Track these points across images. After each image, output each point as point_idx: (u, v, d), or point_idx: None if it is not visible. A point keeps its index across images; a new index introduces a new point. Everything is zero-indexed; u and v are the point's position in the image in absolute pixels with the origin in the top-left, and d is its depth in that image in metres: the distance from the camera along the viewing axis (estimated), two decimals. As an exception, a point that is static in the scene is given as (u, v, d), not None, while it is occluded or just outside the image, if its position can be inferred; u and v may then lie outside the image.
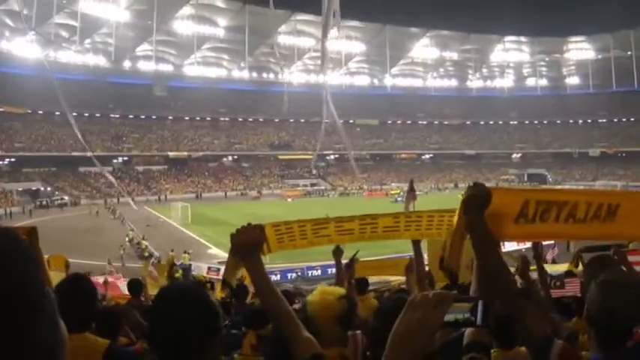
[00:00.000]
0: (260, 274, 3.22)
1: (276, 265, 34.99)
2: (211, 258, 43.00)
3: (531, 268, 6.69)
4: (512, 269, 5.99)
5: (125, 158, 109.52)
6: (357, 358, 4.21)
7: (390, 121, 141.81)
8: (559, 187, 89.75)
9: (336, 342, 3.86)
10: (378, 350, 2.09)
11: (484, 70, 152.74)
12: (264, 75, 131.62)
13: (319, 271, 38.21)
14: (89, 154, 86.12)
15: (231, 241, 3.29)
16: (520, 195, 4.20)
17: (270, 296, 3.16)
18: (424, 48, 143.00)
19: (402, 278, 11.00)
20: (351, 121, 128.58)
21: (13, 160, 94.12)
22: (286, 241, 7.60)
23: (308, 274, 39.22)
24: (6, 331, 0.93)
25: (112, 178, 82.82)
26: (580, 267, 9.16)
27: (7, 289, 0.97)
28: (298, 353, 2.94)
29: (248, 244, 3.25)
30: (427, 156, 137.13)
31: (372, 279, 14.33)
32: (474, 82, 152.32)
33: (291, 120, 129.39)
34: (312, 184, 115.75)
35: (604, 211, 4.23)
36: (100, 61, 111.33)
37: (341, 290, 4.45)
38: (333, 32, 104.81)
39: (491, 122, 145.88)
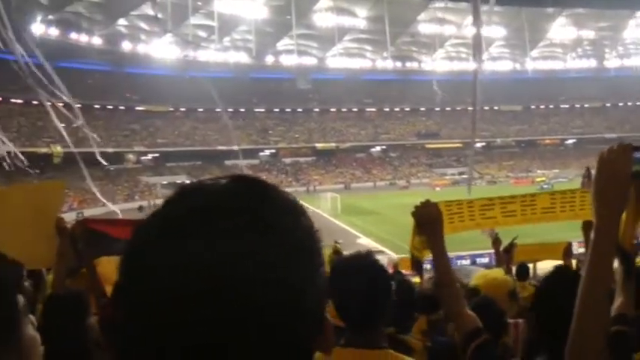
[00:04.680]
0: (441, 249, 2.73)
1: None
2: (361, 247, 18.99)
3: None
4: None
5: (272, 151, 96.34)
6: (518, 346, 3.87)
7: (533, 106, 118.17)
8: None
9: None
10: (543, 336, 2.06)
11: (619, 48, 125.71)
12: (408, 64, 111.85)
13: (468, 261, 31.96)
14: (235, 147, 75.59)
15: (415, 217, 2.79)
16: None
17: (447, 273, 2.71)
18: (561, 28, 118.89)
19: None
20: (496, 108, 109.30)
21: (156, 155, 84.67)
22: (456, 222, 7.19)
23: (456, 263, 28.82)
24: None
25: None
26: None
27: None
28: (461, 328, 2.62)
29: (430, 217, 2.75)
30: (570, 141, 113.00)
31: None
32: (612, 62, 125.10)
33: (437, 108, 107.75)
34: (460, 173, 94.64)
35: None
36: (242, 57, 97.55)
37: (500, 270, 4.82)
38: (470, 18, 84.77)
39: (629, 103, 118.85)
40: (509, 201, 7.23)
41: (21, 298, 1.20)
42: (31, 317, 1.26)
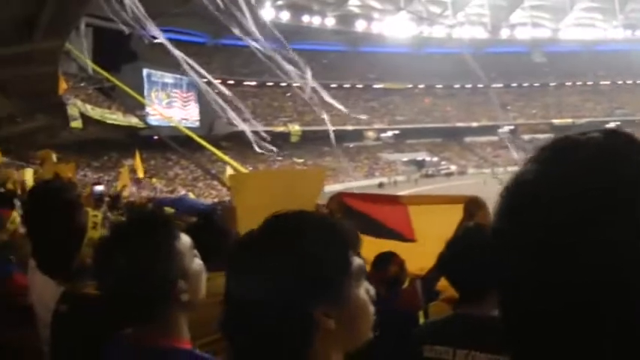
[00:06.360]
0: None
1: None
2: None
3: None
4: None
5: (511, 127, 77.76)
6: None
7: None
8: None
9: None
10: None
11: None
12: (638, 33, 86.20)
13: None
14: (474, 123, 70.86)
15: None
16: None
17: None
18: None
19: None
20: None
21: (396, 132, 72.87)
22: None
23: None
24: None
25: None
26: None
27: None
28: None
29: None
30: None
31: None
32: None
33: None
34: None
35: None
36: (477, 32, 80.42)
37: None
38: None
39: None
40: None
41: (357, 260, 1.09)
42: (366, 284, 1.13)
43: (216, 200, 31.66)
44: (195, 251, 1.57)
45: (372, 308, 1.08)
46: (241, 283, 1.00)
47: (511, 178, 0.62)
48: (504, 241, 0.59)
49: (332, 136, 30.13)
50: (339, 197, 4.41)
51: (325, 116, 25.90)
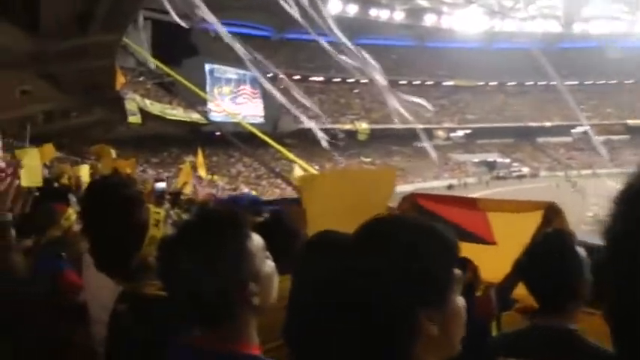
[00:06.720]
0: None
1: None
2: None
3: None
4: None
5: (587, 128, 68.10)
6: None
7: None
8: None
9: None
10: None
11: None
12: None
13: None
14: (547, 123, 68.38)
15: None
16: None
17: None
18: None
19: None
20: None
21: (468, 132, 69.89)
22: None
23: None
24: None
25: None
26: None
27: None
28: None
29: None
30: None
31: None
32: None
33: None
34: None
35: None
36: (550, 26, 77.01)
37: None
38: None
39: None
40: None
41: (456, 269, 1.11)
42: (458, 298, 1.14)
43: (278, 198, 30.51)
44: (267, 253, 1.51)
45: (464, 318, 1.07)
46: (333, 286, 0.96)
47: (625, 182, 0.60)
48: (621, 246, 0.57)
49: (423, 135, 29.57)
50: (412, 198, 4.28)
51: (403, 111, 24.54)
